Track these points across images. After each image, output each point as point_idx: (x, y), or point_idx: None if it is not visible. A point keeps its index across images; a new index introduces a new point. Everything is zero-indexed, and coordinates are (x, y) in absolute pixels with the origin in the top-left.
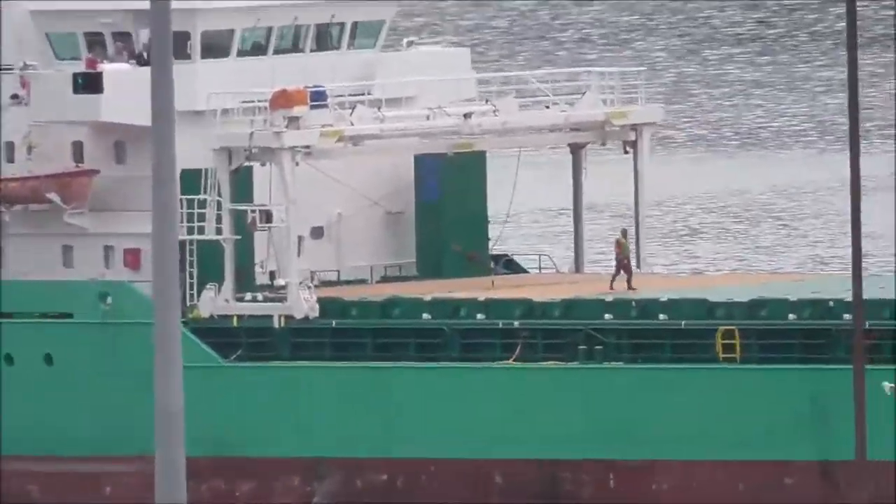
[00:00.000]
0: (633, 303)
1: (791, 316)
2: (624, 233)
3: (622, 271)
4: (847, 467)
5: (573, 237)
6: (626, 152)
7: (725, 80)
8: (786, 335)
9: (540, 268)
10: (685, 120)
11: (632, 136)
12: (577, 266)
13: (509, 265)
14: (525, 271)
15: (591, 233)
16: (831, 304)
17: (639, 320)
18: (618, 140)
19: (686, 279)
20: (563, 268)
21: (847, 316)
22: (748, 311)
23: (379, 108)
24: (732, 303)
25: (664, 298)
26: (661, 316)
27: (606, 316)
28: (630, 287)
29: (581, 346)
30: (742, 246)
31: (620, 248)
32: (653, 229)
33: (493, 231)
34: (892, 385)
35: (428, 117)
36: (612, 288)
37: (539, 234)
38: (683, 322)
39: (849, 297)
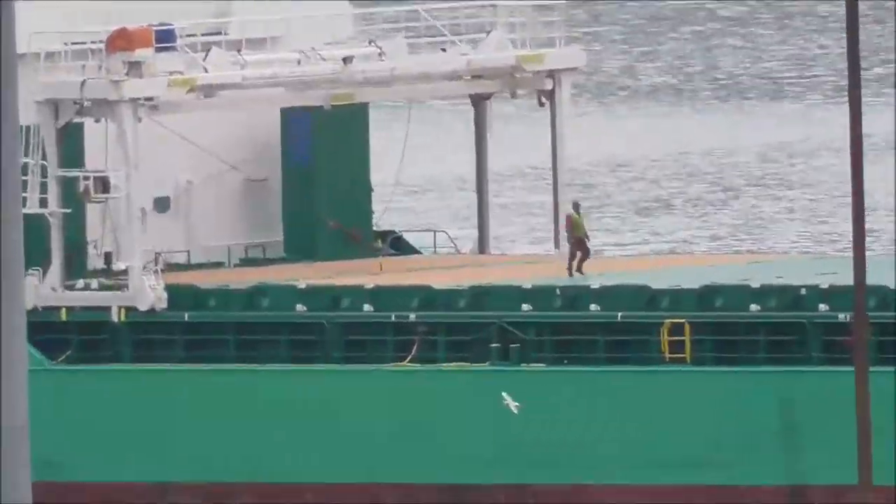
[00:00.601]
0: (558, 290)
1: (753, 306)
2: (576, 206)
3: (578, 252)
4: (828, 494)
5: (477, 210)
6: (542, 104)
7: (696, 17)
8: (747, 330)
9: (435, 247)
10: (648, 66)
11: (548, 85)
12: (482, 246)
13: (397, 244)
14: (417, 251)
15: (524, 204)
16: (803, 291)
17: (565, 312)
18: (531, 90)
19: (637, 261)
20: (464, 247)
21: (823, 307)
22: (700, 301)
23: (239, 51)
24: (681, 290)
25: (596, 285)
26: (593, 307)
27: (524, 307)
28: (579, 271)
29: (493, 344)
30: (722, 220)
31: (572, 224)
32: (607, 200)
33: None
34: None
35: (299, 62)
36: (571, 274)
37: (446, 208)
38: (620, 314)
39: (823, 282)
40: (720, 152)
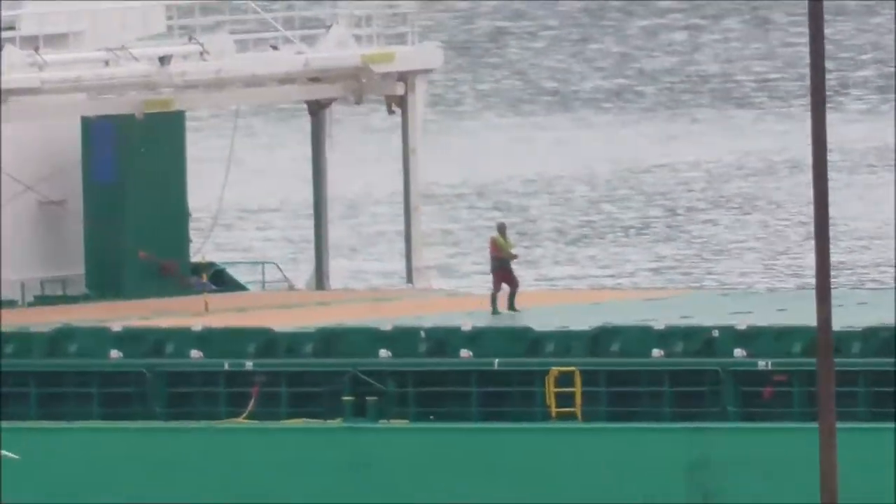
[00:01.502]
0: (423, 333)
1: (656, 352)
2: (501, 227)
3: (504, 284)
4: None
5: (314, 238)
6: (392, 112)
7: (652, 9)
8: (649, 380)
9: (264, 282)
10: (589, 67)
11: (399, 90)
12: (320, 280)
13: (219, 279)
14: (242, 287)
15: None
16: (715, 333)
17: (431, 359)
18: (379, 95)
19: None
20: (298, 282)
21: (739, 352)
22: (593, 345)
23: (36, 50)
24: (570, 333)
25: (467, 327)
26: (465, 352)
27: (383, 353)
28: (511, 308)
29: (346, 397)
30: (663, 252)
31: (497, 248)
32: (532, 227)
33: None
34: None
35: (107, 63)
36: (494, 311)
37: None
38: (497, 361)
39: (739, 322)
40: (669, 168)
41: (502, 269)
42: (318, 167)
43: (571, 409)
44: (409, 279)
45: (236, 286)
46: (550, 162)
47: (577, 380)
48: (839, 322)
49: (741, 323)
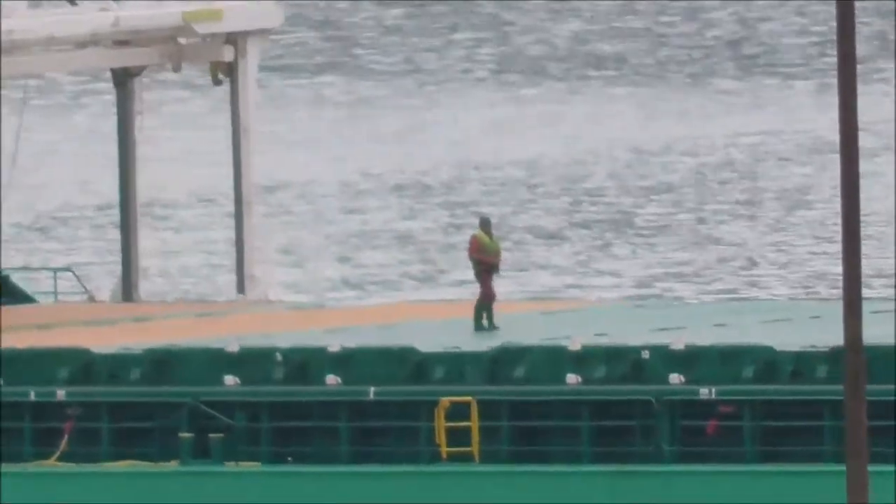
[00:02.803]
0: (279, 355)
1: (572, 377)
2: (485, 222)
3: (485, 291)
4: None
5: (121, 240)
6: (218, 82)
7: None
8: (564, 411)
9: (56, 292)
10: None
11: (227, 55)
12: (128, 290)
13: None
14: (31, 299)
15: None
16: (645, 354)
17: (290, 387)
18: (202, 62)
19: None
20: (100, 293)
21: (676, 377)
22: (493, 370)
23: None
24: (464, 354)
25: (334, 348)
26: (331, 378)
27: (229, 379)
28: (488, 322)
29: (183, 434)
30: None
31: (479, 248)
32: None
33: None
34: None
35: None
36: (479, 323)
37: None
38: (372, 389)
39: (674, 341)
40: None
41: (486, 273)
42: (125, 149)
43: (466, 449)
44: (241, 289)
45: (24, 297)
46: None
47: (474, 412)
48: (795, 340)
49: (677, 342)
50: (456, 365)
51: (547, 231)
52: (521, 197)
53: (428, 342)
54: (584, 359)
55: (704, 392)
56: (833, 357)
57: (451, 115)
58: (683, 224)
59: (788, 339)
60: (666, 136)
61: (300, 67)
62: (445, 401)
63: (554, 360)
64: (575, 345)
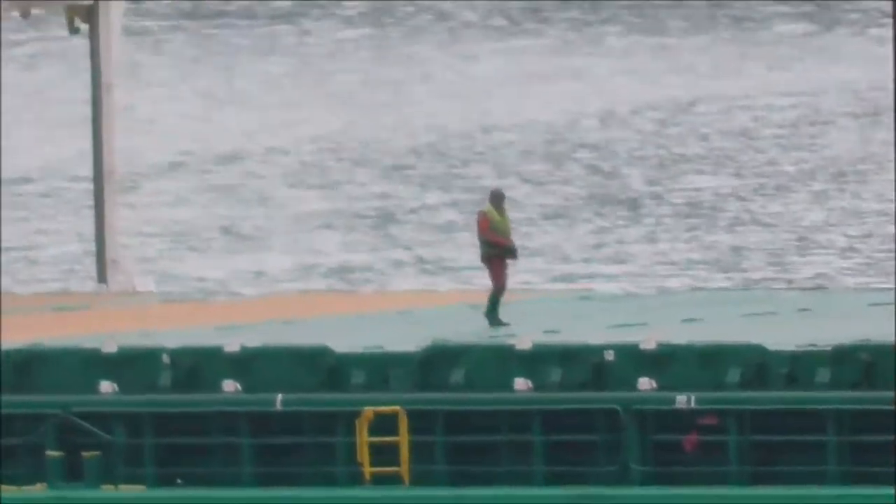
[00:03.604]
0: (167, 357)
1: (521, 382)
2: (497, 196)
3: (496, 280)
4: None
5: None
6: (74, 31)
7: None
8: (512, 423)
9: None
10: None
11: None
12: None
13: None
14: None
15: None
16: (609, 355)
17: (179, 394)
18: (56, 12)
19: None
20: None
21: (647, 382)
22: (424, 373)
23: None
24: (388, 355)
25: (234, 347)
26: (229, 383)
27: (105, 386)
28: (492, 315)
29: (51, 452)
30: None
31: (489, 225)
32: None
33: None
34: None
35: None
36: (493, 319)
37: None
38: (280, 397)
39: (646, 340)
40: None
41: (495, 258)
42: None
43: (394, 469)
44: (102, 277)
45: None
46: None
47: (403, 425)
48: (789, 338)
49: (647, 341)
50: (380, 368)
51: (551, 209)
52: (513, 166)
53: (345, 341)
54: (536, 360)
55: (681, 400)
56: (837, 358)
57: (423, 72)
58: (719, 202)
59: (775, 336)
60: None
61: (245, 12)
62: (368, 411)
63: (499, 361)
64: (524, 343)
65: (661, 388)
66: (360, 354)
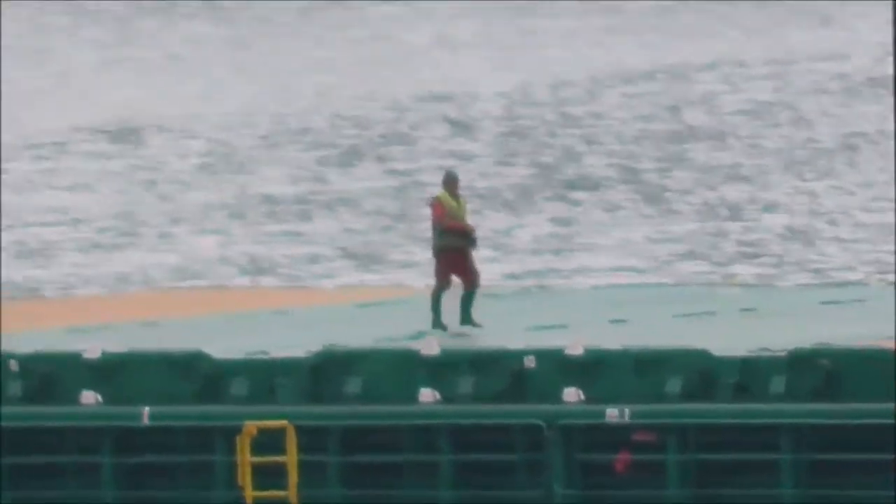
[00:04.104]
0: (14, 364)
1: (426, 393)
2: (451, 179)
3: (453, 273)
4: None
5: None
6: None
7: None
8: (415, 442)
9: None
10: None
11: None
12: None
13: None
14: None
15: None
16: (530, 361)
17: (33, 406)
18: None
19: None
20: None
21: (573, 393)
22: (314, 381)
23: None
24: (273, 362)
25: (93, 354)
26: (89, 394)
27: None
28: (466, 319)
29: None
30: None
31: (442, 211)
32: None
33: None
34: None
35: None
36: (437, 321)
37: None
38: (148, 410)
39: (572, 344)
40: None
41: (450, 251)
42: None
43: (281, 493)
44: None
45: None
46: None
47: (291, 442)
48: (730, 341)
49: (574, 345)
50: (264, 377)
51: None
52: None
53: (222, 345)
54: (445, 368)
55: (613, 413)
56: (793, 364)
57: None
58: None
59: (714, 339)
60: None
61: None
62: (250, 426)
63: (402, 369)
64: (431, 348)
65: (589, 399)
66: (240, 361)
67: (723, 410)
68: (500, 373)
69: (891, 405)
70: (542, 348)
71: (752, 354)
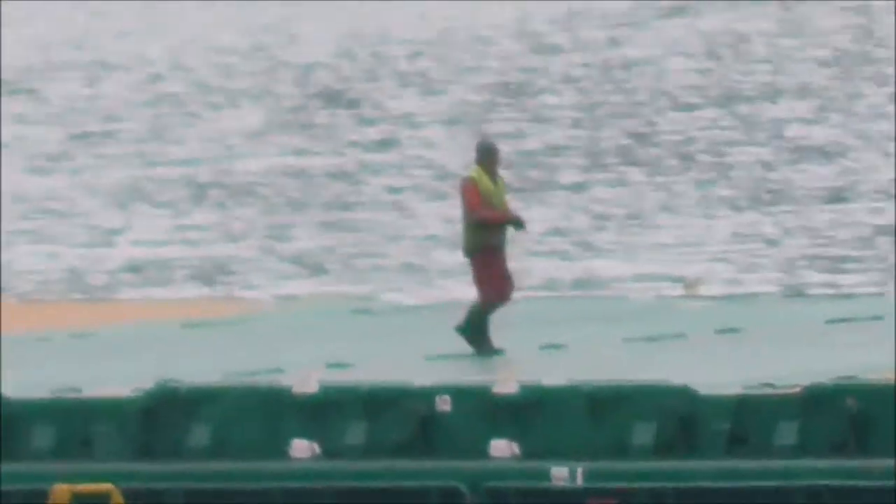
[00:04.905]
0: None
1: (303, 446)
2: (488, 151)
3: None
4: None
5: None
6: None
7: None
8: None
9: None
10: None
11: None
12: None
13: None
14: None
15: None
16: (443, 403)
17: None
18: None
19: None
20: None
21: (503, 446)
22: (147, 429)
23: None
24: (89, 402)
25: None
26: None
27: None
28: (472, 338)
29: None
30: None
31: (477, 196)
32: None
33: None
34: None
35: None
36: (472, 338)
37: None
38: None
39: (502, 382)
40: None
41: (489, 250)
42: None
43: None
44: None
45: None
46: None
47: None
48: (720, 375)
49: (504, 381)
50: (78, 423)
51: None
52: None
53: (11, 379)
54: (327, 410)
55: (560, 474)
56: (809, 404)
57: None
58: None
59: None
60: None
61: None
62: (61, 490)
63: (267, 412)
64: (306, 384)
65: (527, 454)
66: (45, 402)
67: (711, 469)
68: (404, 417)
69: None
70: (459, 385)
71: (751, 392)
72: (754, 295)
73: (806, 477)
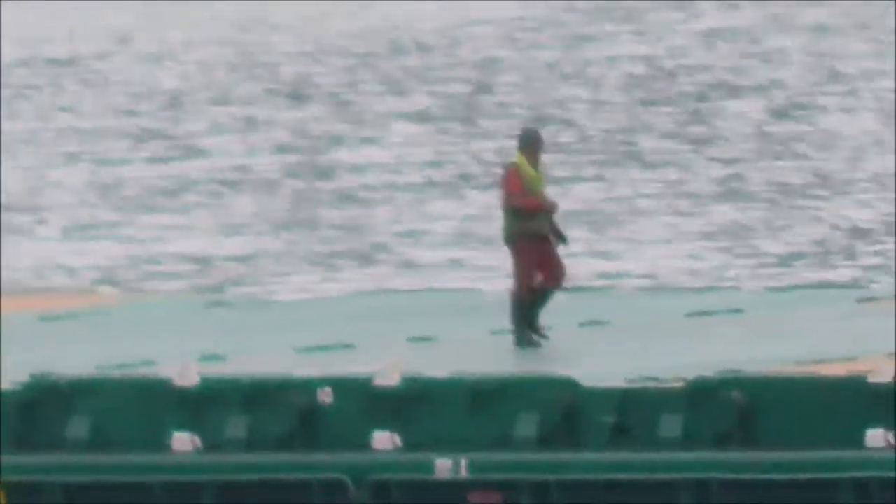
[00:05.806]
0: None
1: (184, 439)
2: (531, 138)
3: (531, 269)
4: None
5: None
6: None
7: None
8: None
9: None
10: None
11: None
12: None
13: None
14: None
15: None
16: (325, 395)
17: None
18: None
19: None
20: None
21: (385, 438)
22: (25, 422)
23: None
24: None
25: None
26: None
27: None
28: (529, 330)
29: None
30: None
31: (520, 182)
32: None
33: None
34: None
35: None
36: (521, 335)
37: None
38: None
39: (385, 374)
40: None
41: (532, 238)
42: None
43: None
44: None
45: None
46: None
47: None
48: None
49: (387, 371)
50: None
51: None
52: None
53: None
54: (209, 403)
55: (444, 466)
56: (694, 397)
57: None
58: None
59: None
60: None
61: None
62: None
63: (147, 405)
64: (187, 376)
65: (410, 446)
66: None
67: (595, 461)
68: (284, 409)
69: (828, 453)
70: (340, 377)
71: (634, 385)
72: (609, 287)
73: (691, 469)
